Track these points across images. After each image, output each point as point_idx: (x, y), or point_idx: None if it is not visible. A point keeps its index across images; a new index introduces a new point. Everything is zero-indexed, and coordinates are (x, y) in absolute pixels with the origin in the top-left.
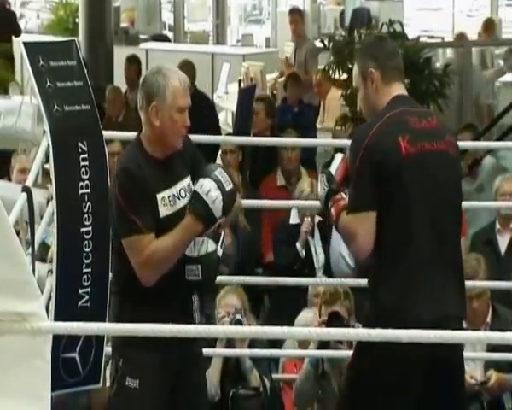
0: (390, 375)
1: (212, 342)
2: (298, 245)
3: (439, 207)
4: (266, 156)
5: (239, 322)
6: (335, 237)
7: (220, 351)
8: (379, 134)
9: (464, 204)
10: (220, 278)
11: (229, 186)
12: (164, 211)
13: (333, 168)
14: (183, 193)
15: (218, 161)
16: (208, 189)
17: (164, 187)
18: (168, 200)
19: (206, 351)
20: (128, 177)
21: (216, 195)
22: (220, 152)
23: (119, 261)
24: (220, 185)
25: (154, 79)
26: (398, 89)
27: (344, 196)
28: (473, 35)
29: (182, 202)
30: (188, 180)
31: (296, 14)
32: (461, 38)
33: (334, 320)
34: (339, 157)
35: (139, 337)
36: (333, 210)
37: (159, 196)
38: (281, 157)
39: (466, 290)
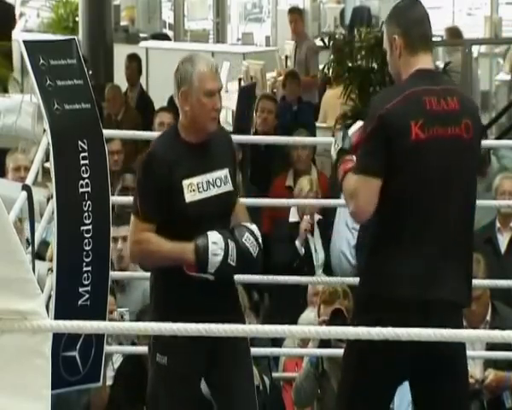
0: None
1: None
2: (297, 243)
3: (443, 194)
4: (268, 156)
5: None
6: (336, 235)
7: None
8: (394, 111)
9: None
10: None
11: (231, 261)
12: (190, 197)
13: (351, 130)
14: (218, 182)
15: None
16: (216, 241)
17: (195, 173)
18: (197, 186)
19: None
20: (148, 163)
21: (218, 252)
22: None
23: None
24: (226, 253)
25: (183, 66)
26: (423, 61)
27: (354, 158)
28: (473, 33)
29: (215, 191)
30: (225, 172)
31: (295, 13)
32: (454, 33)
33: (336, 318)
34: (359, 123)
35: (169, 317)
36: (341, 168)
37: (185, 182)
38: (291, 157)
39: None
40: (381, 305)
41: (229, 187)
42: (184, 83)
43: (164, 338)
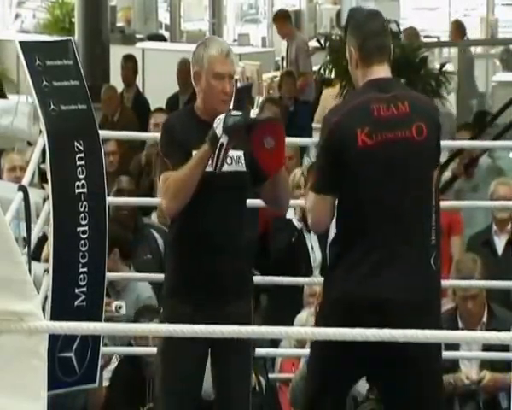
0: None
1: None
2: (294, 220)
3: (397, 196)
4: None
5: None
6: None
7: None
8: (341, 123)
9: (460, 203)
10: None
11: (235, 113)
12: None
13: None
14: (229, 160)
15: None
16: (220, 117)
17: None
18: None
19: None
20: (165, 127)
21: (218, 121)
22: None
23: None
24: (227, 114)
25: (197, 49)
26: (377, 71)
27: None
28: (469, 34)
29: (224, 168)
30: (239, 153)
31: (279, 17)
32: (411, 33)
33: None
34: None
35: (174, 290)
36: (308, 177)
37: (194, 152)
38: None
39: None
40: (331, 308)
41: (241, 167)
42: (196, 64)
43: (169, 309)
